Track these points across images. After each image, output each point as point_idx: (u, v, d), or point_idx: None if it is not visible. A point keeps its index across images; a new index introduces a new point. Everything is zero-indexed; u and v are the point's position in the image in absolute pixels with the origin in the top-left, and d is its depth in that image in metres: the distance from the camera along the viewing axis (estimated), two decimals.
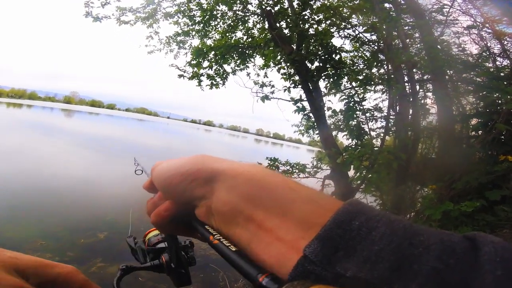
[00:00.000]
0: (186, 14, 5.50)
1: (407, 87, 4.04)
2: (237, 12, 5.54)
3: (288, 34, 4.69)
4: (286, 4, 4.97)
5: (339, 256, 0.18)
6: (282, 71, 5.11)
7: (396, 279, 0.16)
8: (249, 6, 5.43)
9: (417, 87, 4.42)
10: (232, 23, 5.69)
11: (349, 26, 4.86)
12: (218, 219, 0.27)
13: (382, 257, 0.17)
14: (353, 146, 4.07)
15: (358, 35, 4.89)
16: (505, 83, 3.34)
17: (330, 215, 0.20)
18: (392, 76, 4.12)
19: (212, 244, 0.26)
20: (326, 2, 4.86)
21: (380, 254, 0.17)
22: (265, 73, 5.59)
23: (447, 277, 0.16)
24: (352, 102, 4.37)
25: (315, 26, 4.71)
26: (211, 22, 5.62)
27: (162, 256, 0.45)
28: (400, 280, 0.16)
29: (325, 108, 4.64)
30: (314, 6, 4.74)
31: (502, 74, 3.92)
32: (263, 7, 5.00)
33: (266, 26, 5.05)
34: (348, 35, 4.86)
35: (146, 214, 0.35)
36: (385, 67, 4.72)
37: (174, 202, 0.31)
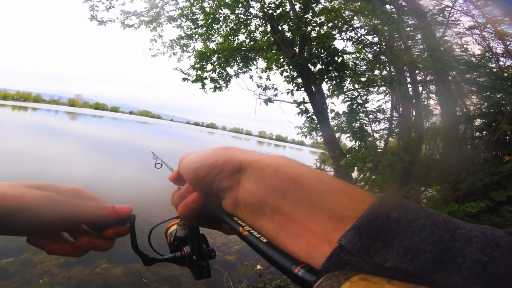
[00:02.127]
0: (189, 17, 5.55)
1: (410, 88, 4.04)
2: (239, 15, 5.59)
3: (290, 37, 4.72)
4: (288, 7, 5.00)
5: (378, 247, 0.18)
6: (284, 73, 5.13)
7: (439, 271, 0.16)
8: (251, 10, 5.48)
9: (420, 88, 4.41)
10: (234, 27, 5.73)
11: (351, 29, 4.87)
12: (244, 210, 0.27)
13: (424, 248, 0.17)
14: (357, 148, 4.07)
15: (360, 37, 4.90)
16: (508, 83, 3.32)
17: (364, 208, 0.20)
18: (395, 77, 4.12)
19: (242, 236, 0.25)
20: (327, 5, 4.88)
21: (421, 245, 0.17)
22: (268, 76, 5.62)
23: (493, 269, 0.16)
24: (355, 104, 4.37)
25: (317, 29, 4.73)
26: (214, 25, 5.67)
27: (184, 248, 0.46)
28: (443, 272, 0.16)
29: (328, 110, 4.65)
30: (316, 9, 4.76)
31: (505, 74, 3.90)
32: (265, 10, 5.03)
33: (269, 29, 5.08)
34: (350, 38, 4.87)
35: (172, 206, 0.36)
36: (388, 69, 4.72)
37: (201, 193, 0.31)
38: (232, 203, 0.28)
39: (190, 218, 0.33)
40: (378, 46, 4.74)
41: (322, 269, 0.19)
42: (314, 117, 4.71)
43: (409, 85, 4.05)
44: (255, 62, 5.79)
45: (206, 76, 5.59)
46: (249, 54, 5.62)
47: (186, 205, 0.32)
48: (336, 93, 4.63)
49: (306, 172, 0.24)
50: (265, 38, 5.44)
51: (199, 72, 5.54)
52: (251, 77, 5.76)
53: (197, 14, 5.58)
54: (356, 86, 4.72)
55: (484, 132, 3.48)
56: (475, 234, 0.17)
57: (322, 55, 4.61)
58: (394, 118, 4.39)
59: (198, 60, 5.48)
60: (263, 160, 0.26)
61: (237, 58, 5.63)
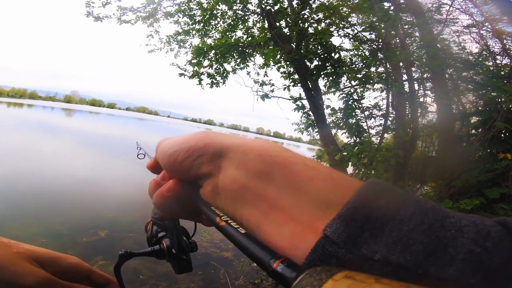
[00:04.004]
0: (186, 13, 5.51)
1: (406, 85, 4.05)
2: (237, 11, 5.56)
3: (288, 33, 4.70)
4: (286, 3, 4.99)
5: (365, 237, 0.17)
6: (281, 69, 5.13)
7: (431, 263, 0.15)
8: (249, 5, 5.45)
9: (416, 85, 4.43)
10: (232, 22, 5.70)
11: (348, 25, 4.86)
12: (225, 198, 0.24)
13: (414, 238, 0.16)
14: (352, 144, 4.09)
15: (357, 34, 4.90)
16: (504, 81, 3.34)
17: (351, 194, 0.19)
18: (391, 74, 4.13)
19: (219, 226, 0.23)
20: (325, 1, 4.87)
21: (411, 235, 0.16)
22: (265, 72, 5.60)
23: (486, 261, 0.15)
24: (351, 100, 4.38)
25: (314, 25, 4.72)
26: (211, 21, 5.64)
27: (163, 241, 0.44)
28: (436, 265, 0.15)
29: (325, 106, 4.66)
30: (314, 6, 4.75)
31: (502, 72, 3.92)
32: (263, 6, 5.00)
33: (266, 25, 5.06)
34: (347, 34, 4.87)
35: (148, 196, 0.33)
36: (384, 66, 4.73)
37: (178, 181, 0.29)
38: (211, 191, 0.26)
39: (165, 209, 0.30)
40: (375, 43, 4.74)
41: (306, 262, 0.17)
42: (310, 113, 4.72)
43: (405, 83, 4.06)
44: (252, 58, 5.78)
45: (203, 72, 5.57)
46: (247, 50, 5.60)
47: (161, 194, 0.29)
48: (332, 89, 4.64)
49: (291, 156, 0.23)
50: (263, 34, 5.42)
51: (196, 68, 5.51)
52: (248, 73, 5.75)
53: (195, 10, 5.55)
54: (353, 82, 4.73)
55: (480, 129, 3.50)
56: (465, 223, 0.16)
57: (319, 51, 4.60)
58: (390, 114, 4.41)
59: (195, 56, 5.45)
60: (246, 143, 0.25)
61: (234, 54, 5.61)
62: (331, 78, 4.61)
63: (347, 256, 0.16)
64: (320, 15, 4.75)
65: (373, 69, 4.99)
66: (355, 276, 0.14)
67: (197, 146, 0.26)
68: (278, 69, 5.19)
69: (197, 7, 5.50)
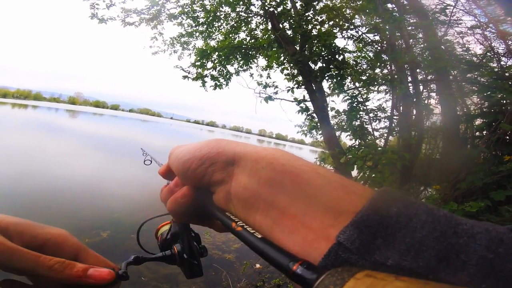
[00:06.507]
0: (189, 15, 5.54)
1: (411, 87, 4.03)
2: (240, 13, 5.57)
3: (291, 35, 4.71)
4: (289, 5, 4.99)
5: (378, 243, 0.17)
6: (285, 71, 5.12)
7: (443, 268, 0.15)
8: (252, 7, 5.47)
9: (421, 87, 4.40)
10: (235, 24, 5.72)
11: (352, 27, 4.86)
12: (237, 205, 0.25)
13: (427, 245, 0.16)
14: (357, 146, 4.07)
15: (361, 36, 4.89)
16: (509, 83, 3.31)
17: (363, 202, 0.19)
18: (396, 76, 4.11)
19: (235, 232, 0.24)
20: (329, 3, 4.88)
21: (423, 242, 0.16)
22: (268, 74, 5.61)
23: (498, 267, 0.15)
24: (356, 103, 4.36)
25: (318, 27, 4.73)
26: (214, 23, 5.66)
27: (174, 247, 0.44)
28: (448, 270, 0.15)
29: (329, 108, 4.65)
30: (317, 7, 4.76)
31: (507, 74, 3.89)
32: (266, 8, 5.02)
33: (269, 27, 5.07)
34: (351, 36, 4.86)
35: (161, 202, 0.34)
36: (389, 68, 4.72)
37: (191, 188, 0.29)
38: (224, 198, 0.26)
39: (180, 214, 0.31)
40: (379, 44, 4.74)
41: (320, 267, 0.18)
42: (314, 115, 4.71)
43: (410, 84, 4.04)
44: (255, 60, 5.79)
45: (206, 74, 5.59)
46: (250, 52, 5.61)
47: (175, 200, 0.30)
48: (336, 91, 4.63)
49: (302, 165, 0.23)
50: (266, 35, 5.43)
51: (199, 70, 5.53)
52: (251, 75, 5.76)
53: (198, 12, 5.57)
54: (357, 84, 4.72)
55: (485, 131, 3.47)
56: (477, 230, 0.16)
57: (323, 53, 4.60)
58: (395, 116, 4.39)
59: (198, 58, 5.47)
60: (257, 152, 0.25)
61: (238, 56, 5.62)
62: (335, 80, 4.60)
63: (360, 262, 0.17)
64: (324, 17, 4.76)
65: (377, 70, 4.98)
66: (375, 275, 0.14)
67: (210, 154, 0.27)
68: (281, 71, 5.19)
69: (201, 9, 5.53)
